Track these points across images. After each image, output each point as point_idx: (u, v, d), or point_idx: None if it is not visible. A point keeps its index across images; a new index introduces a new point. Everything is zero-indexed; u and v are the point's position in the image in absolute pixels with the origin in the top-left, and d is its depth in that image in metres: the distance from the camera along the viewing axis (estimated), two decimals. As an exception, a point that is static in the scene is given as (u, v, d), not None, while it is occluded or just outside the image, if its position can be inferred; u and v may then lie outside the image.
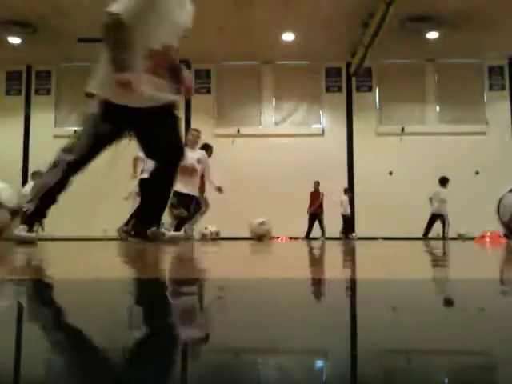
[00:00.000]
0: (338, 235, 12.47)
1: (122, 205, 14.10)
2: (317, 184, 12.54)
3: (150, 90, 3.13)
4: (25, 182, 14.01)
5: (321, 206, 12.63)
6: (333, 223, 12.48)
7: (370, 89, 14.27)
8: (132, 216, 7.78)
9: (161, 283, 1.22)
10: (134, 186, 8.34)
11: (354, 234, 12.64)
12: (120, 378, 0.43)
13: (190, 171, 6.58)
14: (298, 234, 12.11)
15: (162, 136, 3.31)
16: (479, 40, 12.56)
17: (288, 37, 12.65)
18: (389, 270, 1.70)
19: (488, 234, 9.90)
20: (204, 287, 1.13)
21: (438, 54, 13.60)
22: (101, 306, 0.83)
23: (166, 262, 2.26)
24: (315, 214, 12.62)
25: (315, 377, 0.43)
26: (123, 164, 14.47)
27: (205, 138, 14.08)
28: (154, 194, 3.63)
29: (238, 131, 14.03)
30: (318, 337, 0.57)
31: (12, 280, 1.25)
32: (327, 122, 14.21)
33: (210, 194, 8.03)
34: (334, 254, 3.04)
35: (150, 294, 0.99)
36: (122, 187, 13.65)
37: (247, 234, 10.95)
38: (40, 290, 1.07)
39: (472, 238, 10.67)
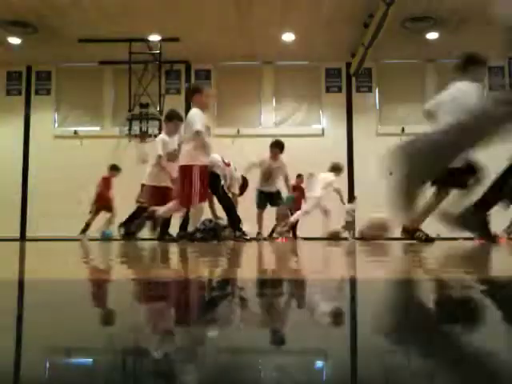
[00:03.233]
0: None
1: (122, 205, 14.08)
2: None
3: None
4: (24, 181, 14.02)
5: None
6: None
7: (370, 89, 14.27)
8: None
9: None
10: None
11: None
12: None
13: None
14: (298, 234, 12.08)
15: None
16: (479, 40, 12.54)
17: (288, 37, 12.65)
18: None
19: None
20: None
21: (438, 54, 13.59)
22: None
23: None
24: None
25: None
26: (123, 164, 14.48)
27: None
28: None
29: (238, 131, 14.02)
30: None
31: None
32: (327, 122, 14.21)
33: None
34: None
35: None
36: (122, 187, 13.65)
37: (249, 234, 10.90)
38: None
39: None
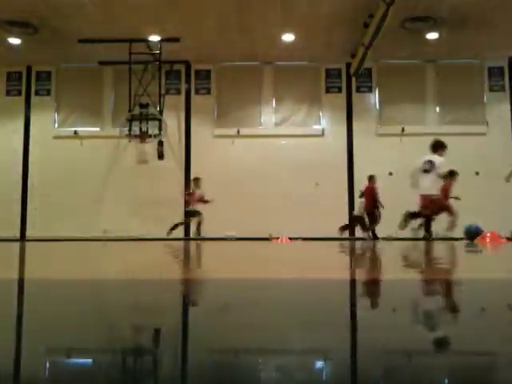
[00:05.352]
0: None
1: (122, 205, 14.13)
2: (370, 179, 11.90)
3: None
4: (24, 181, 14.02)
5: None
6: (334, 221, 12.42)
7: (370, 89, 14.26)
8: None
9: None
10: None
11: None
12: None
13: None
14: (298, 234, 12.10)
15: None
16: (479, 40, 12.55)
17: (288, 37, 12.64)
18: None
19: (488, 235, 9.92)
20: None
21: (437, 54, 13.59)
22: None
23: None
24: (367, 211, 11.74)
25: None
26: (123, 165, 14.52)
27: (204, 138, 14.21)
28: None
29: (238, 132, 14.02)
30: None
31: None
32: (327, 122, 14.20)
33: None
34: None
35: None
36: (121, 188, 13.67)
37: (248, 235, 10.93)
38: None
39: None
